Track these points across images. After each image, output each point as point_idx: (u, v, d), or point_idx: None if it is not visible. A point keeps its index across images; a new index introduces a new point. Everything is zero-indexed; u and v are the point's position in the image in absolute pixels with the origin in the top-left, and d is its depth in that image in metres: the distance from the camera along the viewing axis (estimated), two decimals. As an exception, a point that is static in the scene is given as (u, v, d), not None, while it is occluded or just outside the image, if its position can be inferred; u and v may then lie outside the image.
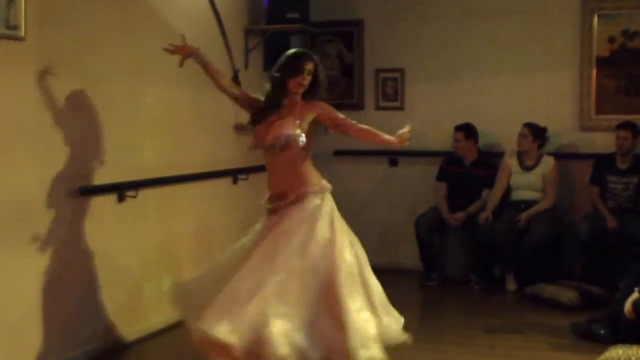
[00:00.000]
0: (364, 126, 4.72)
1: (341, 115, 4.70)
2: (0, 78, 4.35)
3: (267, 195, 4.63)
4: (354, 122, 4.71)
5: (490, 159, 7.61)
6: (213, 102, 5.82)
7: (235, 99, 4.81)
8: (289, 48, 8.09)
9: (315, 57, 4.65)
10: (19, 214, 4.54)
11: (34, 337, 4.71)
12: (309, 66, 4.56)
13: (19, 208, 4.54)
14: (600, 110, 7.48)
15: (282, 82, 4.56)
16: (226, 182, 6.70)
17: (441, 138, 7.73)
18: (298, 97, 4.60)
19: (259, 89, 7.26)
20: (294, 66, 4.55)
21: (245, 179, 6.90)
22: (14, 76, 4.45)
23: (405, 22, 7.99)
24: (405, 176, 8.05)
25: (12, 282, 4.52)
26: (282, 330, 4.07)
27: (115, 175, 5.35)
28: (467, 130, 7.48)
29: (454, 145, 7.55)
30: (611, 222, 6.94)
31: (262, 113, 4.62)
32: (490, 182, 7.46)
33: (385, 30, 8.08)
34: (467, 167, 7.55)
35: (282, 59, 4.63)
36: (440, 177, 7.67)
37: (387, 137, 4.71)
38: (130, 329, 5.58)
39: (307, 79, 4.57)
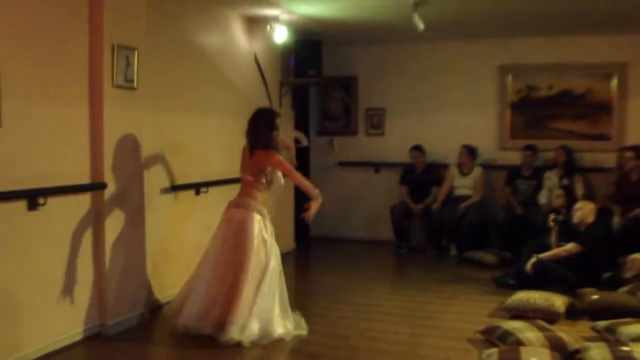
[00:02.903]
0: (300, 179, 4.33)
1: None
2: (123, 114, 4.38)
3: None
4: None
5: (434, 167, 7.60)
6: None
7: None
8: (308, 95, 8.22)
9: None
10: (134, 204, 4.58)
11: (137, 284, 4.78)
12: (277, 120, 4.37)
13: (134, 200, 4.59)
14: (513, 137, 7.51)
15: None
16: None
17: (408, 154, 7.71)
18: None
19: (289, 121, 7.31)
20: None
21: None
22: (131, 113, 4.47)
23: (385, 77, 8.00)
24: (385, 179, 8.02)
25: (135, 246, 4.59)
26: None
27: (193, 177, 5.36)
28: (421, 149, 7.53)
29: (413, 159, 7.57)
30: (519, 211, 6.99)
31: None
32: (436, 182, 7.46)
33: (372, 82, 8.08)
34: (418, 174, 7.55)
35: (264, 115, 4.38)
36: (401, 181, 7.64)
37: (309, 189, 4.30)
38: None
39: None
